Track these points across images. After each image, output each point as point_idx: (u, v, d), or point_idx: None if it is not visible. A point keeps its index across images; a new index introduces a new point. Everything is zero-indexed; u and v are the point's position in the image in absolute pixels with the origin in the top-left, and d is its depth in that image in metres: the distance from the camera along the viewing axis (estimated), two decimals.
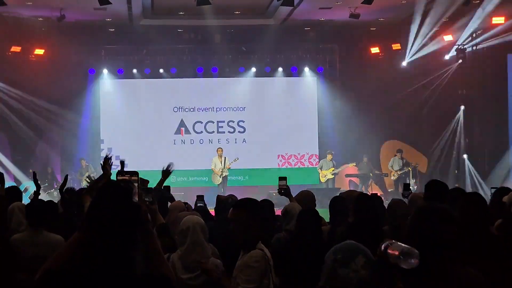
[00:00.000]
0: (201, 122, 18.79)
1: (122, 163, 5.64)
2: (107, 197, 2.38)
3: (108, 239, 2.31)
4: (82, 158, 17.51)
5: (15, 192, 6.56)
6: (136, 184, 2.64)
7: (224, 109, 18.95)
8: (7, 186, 6.69)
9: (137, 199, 2.52)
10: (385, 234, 5.34)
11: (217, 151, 17.12)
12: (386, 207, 5.73)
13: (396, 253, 2.29)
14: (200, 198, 7.02)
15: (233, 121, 18.90)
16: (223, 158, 16.92)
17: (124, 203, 2.37)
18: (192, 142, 18.65)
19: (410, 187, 7.78)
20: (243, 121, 18.91)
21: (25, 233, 5.25)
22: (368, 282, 2.32)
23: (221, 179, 16.68)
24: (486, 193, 16.13)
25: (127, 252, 2.35)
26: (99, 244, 2.33)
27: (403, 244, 2.35)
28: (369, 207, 5.06)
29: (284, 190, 6.43)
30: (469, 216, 4.32)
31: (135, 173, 2.68)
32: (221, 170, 16.73)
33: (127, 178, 2.66)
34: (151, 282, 2.38)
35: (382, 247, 2.41)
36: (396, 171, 17.48)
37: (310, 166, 18.75)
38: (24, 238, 5.20)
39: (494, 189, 6.70)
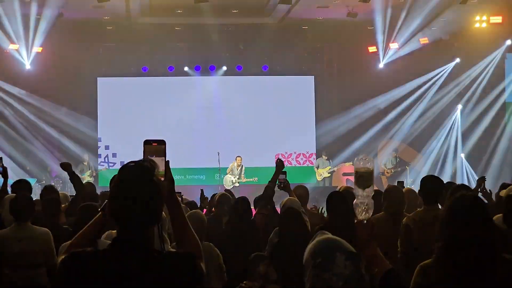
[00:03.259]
0: (199, 121, 18.79)
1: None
2: (127, 178, 2.38)
3: (132, 218, 2.33)
4: (85, 155, 17.51)
5: (25, 186, 6.63)
6: (163, 157, 2.57)
7: (222, 107, 18.96)
8: (17, 179, 6.76)
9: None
10: (380, 220, 5.41)
11: (236, 159, 16.95)
12: (383, 194, 5.80)
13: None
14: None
15: (230, 120, 18.91)
16: (240, 167, 16.80)
17: (145, 183, 2.36)
18: (189, 141, 18.65)
19: (407, 186, 7.85)
20: (240, 120, 18.92)
21: (10, 228, 5.27)
22: (352, 280, 2.26)
23: (232, 186, 16.28)
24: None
25: (150, 232, 2.38)
26: (123, 224, 2.36)
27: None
28: (340, 203, 5.08)
29: (283, 184, 6.47)
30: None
31: (162, 142, 2.62)
32: (236, 179, 16.57)
33: (155, 145, 2.60)
34: (175, 258, 2.40)
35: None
36: (389, 169, 17.52)
37: (307, 165, 18.78)
38: (9, 234, 5.22)
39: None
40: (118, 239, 2.37)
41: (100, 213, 2.55)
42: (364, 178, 2.58)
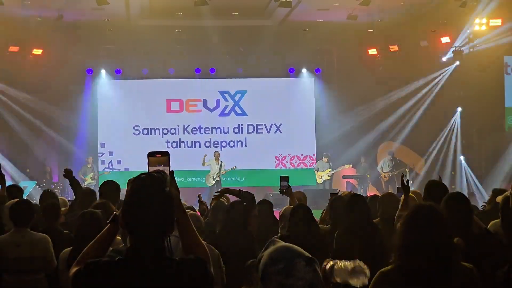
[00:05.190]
0: (199, 123, 18.79)
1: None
2: (142, 188, 2.45)
3: (145, 229, 2.41)
4: (89, 156, 17.52)
5: (16, 190, 6.59)
6: (167, 167, 2.65)
7: (221, 110, 18.96)
8: (8, 185, 6.71)
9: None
10: (376, 226, 5.43)
11: (214, 154, 17.16)
12: (378, 201, 5.82)
13: (344, 273, 2.41)
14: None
15: (230, 122, 18.92)
16: (219, 162, 16.97)
17: (158, 194, 2.44)
18: (189, 143, 18.66)
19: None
20: (240, 122, 18.93)
21: (9, 234, 5.26)
22: (316, 282, 2.26)
23: (214, 182, 16.76)
24: (483, 194, 16.22)
25: (164, 240, 2.45)
26: (137, 234, 2.42)
27: (348, 263, 2.45)
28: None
29: (285, 190, 6.45)
30: (451, 215, 4.39)
31: (165, 153, 2.69)
32: (216, 173, 16.82)
33: (158, 157, 2.68)
34: (187, 264, 2.46)
35: (327, 267, 2.53)
36: (386, 172, 17.49)
37: (307, 167, 18.78)
38: (8, 239, 5.21)
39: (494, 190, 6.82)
40: (133, 248, 2.43)
41: (109, 224, 2.59)
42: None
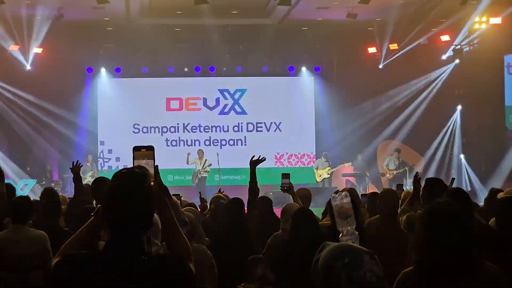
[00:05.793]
0: (199, 121, 18.81)
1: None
2: (120, 184, 2.47)
3: (123, 224, 2.42)
4: (89, 154, 17.53)
5: (8, 189, 6.58)
6: (152, 161, 2.67)
7: (221, 108, 18.98)
8: None
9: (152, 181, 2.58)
10: (375, 223, 5.43)
11: (198, 152, 17.25)
12: (378, 197, 5.82)
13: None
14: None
15: (230, 121, 18.93)
16: (203, 160, 17.06)
17: (137, 189, 2.45)
18: (189, 141, 18.67)
19: (407, 187, 7.84)
20: (240, 121, 18.94)
21: (7, 230, 5.24)
22: (381, 275, 2.26)
23: (197, 180, 16.96)
24: (484, 193, 16.22)
25: (142, 235, 2.46)
26: (115, 230, 2.44)
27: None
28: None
29: (287, 187, 6.45)
30: None
31: (151, 148, 2.72)
32: (201, 168, 17.07)
33: (143, 151, 2.71)
34: (165, 260, 2.47)
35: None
36: (391, 170, 17.49)
37: (306, 165, 18.79)
38: (7, 236, 5.19)
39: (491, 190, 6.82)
40: (111, 242, 2.45)
41: (93, 217, 2.60)
42: (342, 211, 2.60)
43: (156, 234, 2.90)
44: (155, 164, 2.66)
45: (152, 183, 2.56)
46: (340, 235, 2.62)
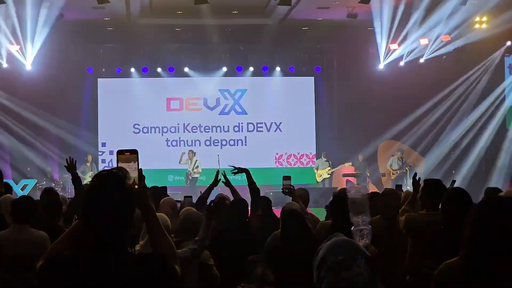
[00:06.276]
0: (199, 122, 18.81)
1: None
2: (100, 186, 2.49)
3: (103, 225, 2.44)
4: (89, 154, 17.52)
5: (5, 188, 6.58)
6: (135, 165, 2.71)
7: (222, 108, 18.98)
8: None
9: (130, 182, 2.60)
10: (377, 223, 5.42)
11: (188, 153, 17.25)
12: (379, 197, 5.82)
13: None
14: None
15: (231, 121, 18.93)
16: (193, 161, 17.06)
17: (117, 190, 2.48)
18: (189, 141, 18.67)
19: (408, 187, 7.84)
20: (240, 121, 18.94)
21: (8, 230, 5.23)
22: (371, 282, 2.27)
23: (189, 181, 17.04)
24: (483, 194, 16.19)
25: (123, 235, 2.48)
26: (96, 231, 2.45)
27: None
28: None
29: (288, 190, 6.46)
30: (452, 211, 4.39)
31: (134, 151, 2.76)
32: (191, 169, 17.11)
33: (127, 155, 2.75)
34: (147, 260, 2.49)
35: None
36: (395, 170, 17.51)
37: (307, 165, 18.79)
38: (7, 236, 5.18)
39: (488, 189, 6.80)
40: (93, 243, 2.46)
41: (78, 220, 2.64)
42: (358, 204, 2.58)
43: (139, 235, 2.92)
44: (139, 168, 2.70)
45: (136, 187, 2.61)
46: (352, 227, 2.61)
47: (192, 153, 17.32)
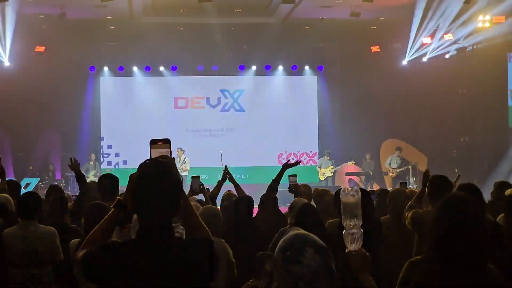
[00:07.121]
0: (202, 120, 18.80)
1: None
2: (150, 172, 2.53)
3: (154, 211, 2.49)
4: (92, 153, 17.51)
5: (14, 186, 6.58)
6: (169, 154, 2.74)
7: (224, 107, 18.97)
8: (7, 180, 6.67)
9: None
10: (386, 223, 5.42)
11: (176, 151, 17.19)
12: (388, 197, 5.82)
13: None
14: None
15: (233, 119, 18.92)
16: (181, 159, 16.98)
17: (166, 175, 2.53)
18: (192, 140, 18.65)
19: (410, 186, 7.83)
20: (243, 119, 18.93)
21: (16, 226, 5.23)
22: (320, 273, 2.24)
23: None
24: (486, 192, 16.17)
25: (171, 221, 2.56)
26: (146, 216, 2.51)
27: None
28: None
29: (294, 188, 6.47)
30: None
31: (167, 141, 2.78)
32: (179, 167, 16.98)
33: (160, 144, 2.76)
34: (195, 244, 2.55)
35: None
36: (394, 169, 17.48)
37: (310, 164, 18.77)
38: (16, 232, 5.18)
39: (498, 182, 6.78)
40: (142, 230, 2.51)
41: (112, 209, 2.66)
42: (350, 208, 2.57)
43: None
44: (172, 157, 2.73)
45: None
46: (343, 231, 2.59)
47: (181, 150, 17.22)
